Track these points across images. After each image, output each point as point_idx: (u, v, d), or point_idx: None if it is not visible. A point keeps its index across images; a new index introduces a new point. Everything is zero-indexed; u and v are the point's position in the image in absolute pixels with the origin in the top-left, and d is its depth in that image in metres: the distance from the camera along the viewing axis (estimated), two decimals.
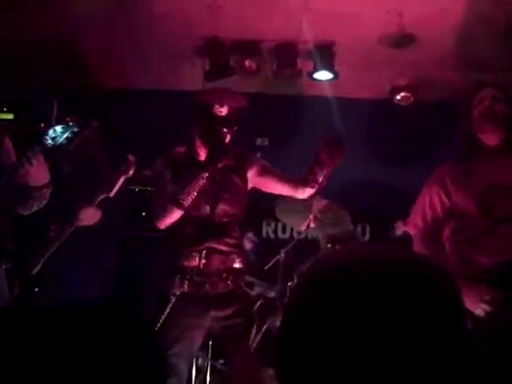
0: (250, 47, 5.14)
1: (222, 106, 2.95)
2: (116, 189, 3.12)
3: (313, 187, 3.03)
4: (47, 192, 2.77)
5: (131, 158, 3.16)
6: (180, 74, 5.48)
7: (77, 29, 4.81)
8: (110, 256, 4.56)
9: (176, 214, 2.89)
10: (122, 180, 3.15)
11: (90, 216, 3.14)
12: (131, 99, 5.53)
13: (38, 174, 2.67)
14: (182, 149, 3.11)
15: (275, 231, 5.84)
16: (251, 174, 3.09)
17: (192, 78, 5.25)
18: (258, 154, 4.48)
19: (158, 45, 5.13)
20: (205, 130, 2.98)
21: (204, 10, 4.56)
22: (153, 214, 2.98)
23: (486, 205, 2.62)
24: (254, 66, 5.13)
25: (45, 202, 2.81)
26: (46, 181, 2.73)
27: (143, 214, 4.63)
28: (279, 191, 3.21)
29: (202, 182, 2.86)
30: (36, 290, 2.76)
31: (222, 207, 2.98)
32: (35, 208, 2.82)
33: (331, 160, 2.97)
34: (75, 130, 2.71)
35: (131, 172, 3.15)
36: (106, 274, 4.46)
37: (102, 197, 3.13)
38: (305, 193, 3.10)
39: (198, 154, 3.03)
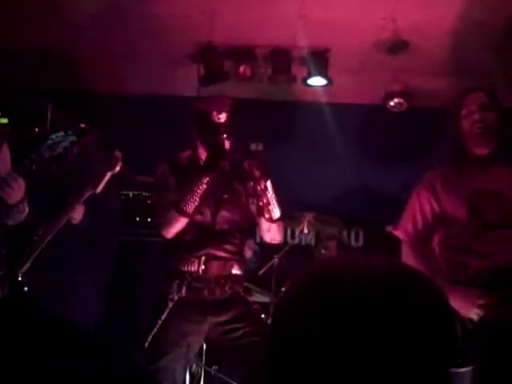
0: (244, 53, 5.15)
1: (220, 113, 2.98)
2: (102, 185, 3.11)
3: (266, 215, 2.96)
4: (24, 204, 2.82)
5: (118, 153, 3.15)
6: (175, 79, 5.49)
7: (73, 34, 4.81)
8: (106, 262, 4.55)
9: (181, 223, 2.89)
10: (108, 176, 3.13)
11: (76, 213, 3.14)
12: (126, 104, 5.53)
13: (15, 194, 2.73)
14: (185, 154, 3.13)
15: None
16: (248, 185, 3.10)
17: (187, 83, 5.27)
18: None
19: (152, 50, 5.14)
20: (205, 137, 3.00)
21: (199, 17, 4.58)
22: (158, 224, 2.98)
23: (476, 210, 2.65)
24: (249, 72, 5.15)
25: (26, 211, 2.86)
26: (20, 197, 2.77)
27: (137, 219, 4.63)
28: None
29: (203, 186, 2.87)
30: (25, 289, 2.76)
31: (223, 213, 2.99)
32: (21, 219, 2.87)
33: (260, 172, 2.92)
34: (73, 139, 2.72)
35: (118, 168, 3.14)
36: (103, 280, 4.45)
37: (88, 194, 3.12)
38: (264, 224, 3.02)
39: (200, 160, 3.05)
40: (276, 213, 2.95)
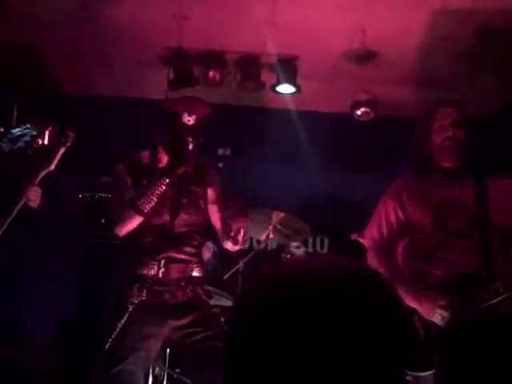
0: (214, 58, 5.15)
1: (190, 115, 2.96)
2: (56, 161, 3.07)
3: (232, 242, 2.98)
4: None
5: (70, 133, 3.10)
6: (144, 82, 5.47)
7: (41, 35, 4.75)
8: (71, 264, 4.48)
9: (136, 221, 2.87)
10: (61, 152, 3.09)
11: (33, 194, 3.09)
12: (94, 105, 5.49)
13: None
14: (143, 154, 3.09)
15: None
16: (208, 191, 3.10)
17: (156, 86, 5.25)
18: (220, 164, 4.50)
19: (123, 53, 5.11)
20: (170, 138, 2.98)
21: (169, 21, 4.57)
22: (112, 221, 2.96)
23: (441, 219, 2.71)
24: (218, 77, 5.15)
25: None
26: None
27: (103, 220, 4.58)
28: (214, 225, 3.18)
29: (162, 188, 2.86)
30: None
31: (182, 216, 2.97)
32: None
33: (237, 218, 2.95)
34: (34, 133, 2.69)
35: (69, 144, 3.09)
36: (66, 284, 4.39)
37: (43, 173, 3.07)
38: (227, 245, 3.05)
39: (159, 161, 3.02)
40: (239, 243, 3.00)
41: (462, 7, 4.20)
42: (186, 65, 5.07)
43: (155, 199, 2.85)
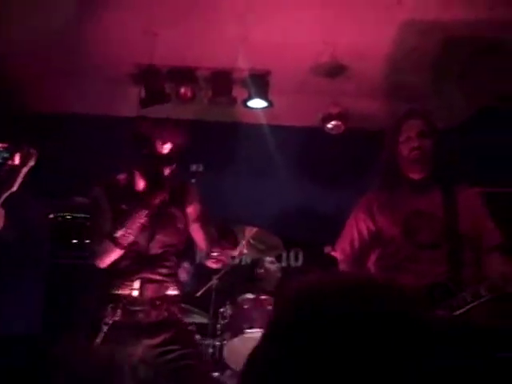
0: (185, 74, 5.15)
1: (164, 143, 2.93)
2: (18, 182, 3.02)
3: (216, 264, 3.01)
4: None
5: (33, 150, 3.05)
6: (116, 99, 5.45)
7: (11, 52, 4.72)
8: (38, 285, 4.43)
9: (116, 254, 2.85)
10: (24, 172, 3.04)
11: None
12: (65, 124, 5.45)
13: None
14: (121, 177, 3.06)
15: None
16: (187, 211, 3.09)
17: (128, 104, 5.24)
18: (193, 180, 4.48)
19: (93, 70, 5.09)
20: (144, 165, 2.95)
21: (140, 37, 4.57)
22: (93, 253, 2.91)
23: (410, 230, 2.73)
24: (190, 93, 5.15)
25: None
26: None
27: (74, 241, 4.54)
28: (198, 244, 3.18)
29: (141, 220, 2.84)
30: None
31: (158, 238, 2.96)
32: None
33: (223, 246, 2.97)
34: (5, 155, 2.66)
35: (32, 163, 3.04)
36: (34, 303, 4.33)
37: (6, 194, 3.03)
38: (208, 264, 3.07)
39: (136, 185, 3.00)
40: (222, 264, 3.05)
41: (425, 20, 4.27)
42: (157, 82, 5.06)
43: (135, 233, 2.84)
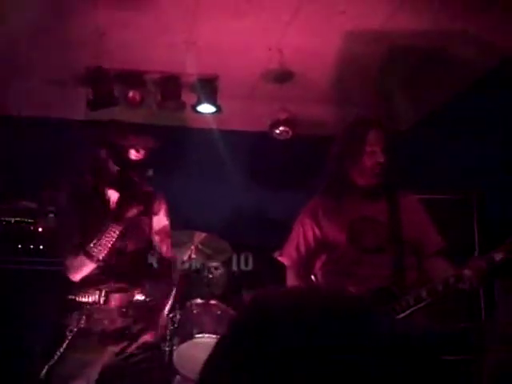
0: (133, 78, 5.12)
1: (138, 151, 2.90)
2: None
3: None
4: None
5: None
6: (64, 101, 5.37)
7: None
8: None
9: (90, 267, 2.82)
10: None
11: None
12: (11, 127, 5.34)
13: None
14: (86, 179, 3.01)
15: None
16: (153, 220, 3.07)
17: (77, 106, 5.16)
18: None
19: (40, 72, 5.00)
20: (116, 174, 2.91)
21: (88, 38, 4.50)
22: (66, 268, 2.85)
23: (355, 236, 2.79)
24: (138, 97, 5.12)
25: None
26: None
27: (19, 246, 4.45)
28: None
29: (115, 234, 2.82)
30: None
31: (127, 247, 2.94)
32: None
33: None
34: None
35: None
36: None
37: None
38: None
39: (105, 194, 2.96)
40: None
41: (370, 29, 4.36)
42: (105, 85, 5.00)
43: (109, 246, 2.81)
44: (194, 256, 4.09)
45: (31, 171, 4.85)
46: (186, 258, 4.05)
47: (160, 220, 3.08)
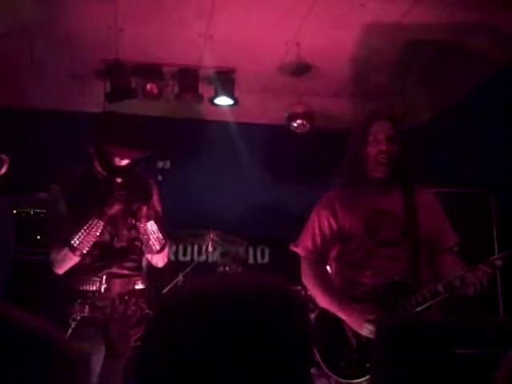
0: (151, 71, 5.15)
1: (122, 159, 2.93)
2: None
3: (147, 249, 3.04)
4: None
5: (4, 157, 3.01)
6: (82, 94, 5.42)
7: None
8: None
9: (74, 260, 2.85)
10: None
11: None
12: (30, 119, 5.40)
13: None
14: (78, 171, 3.05)
15: (176, 253, 5.80)
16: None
17: (93, 99, 5.21)
18: (160, 177, 4.49)
19: (59, 65, 5.05)
20: (100, 171, 2.95)
21: (106, 32, 4.54)
22: (51, 261, 2.89)
23: (371, 228, 2.78)
24: (156, 90, 5.15)
25: None
26: None
27: (38, 237, 4.50)
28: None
29: (98, 230, 2.84)
30: None
31: (122, 233, 2.96)
32: None
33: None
34: None
35: (3, 170, 2.99)
36: None
37: None
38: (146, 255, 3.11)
39: (97, 180, 2.99)
40: (155, 248, 3.03)
41: (388, 22, 4.34)
42: (123, 77, 5.04)
43: (92, 240, 2.84)
44: (210, 248, 4.12)
45: (51, 163, 4.89)
46: (203, 249, 4.09)
47: (151, 209, 3.09)
